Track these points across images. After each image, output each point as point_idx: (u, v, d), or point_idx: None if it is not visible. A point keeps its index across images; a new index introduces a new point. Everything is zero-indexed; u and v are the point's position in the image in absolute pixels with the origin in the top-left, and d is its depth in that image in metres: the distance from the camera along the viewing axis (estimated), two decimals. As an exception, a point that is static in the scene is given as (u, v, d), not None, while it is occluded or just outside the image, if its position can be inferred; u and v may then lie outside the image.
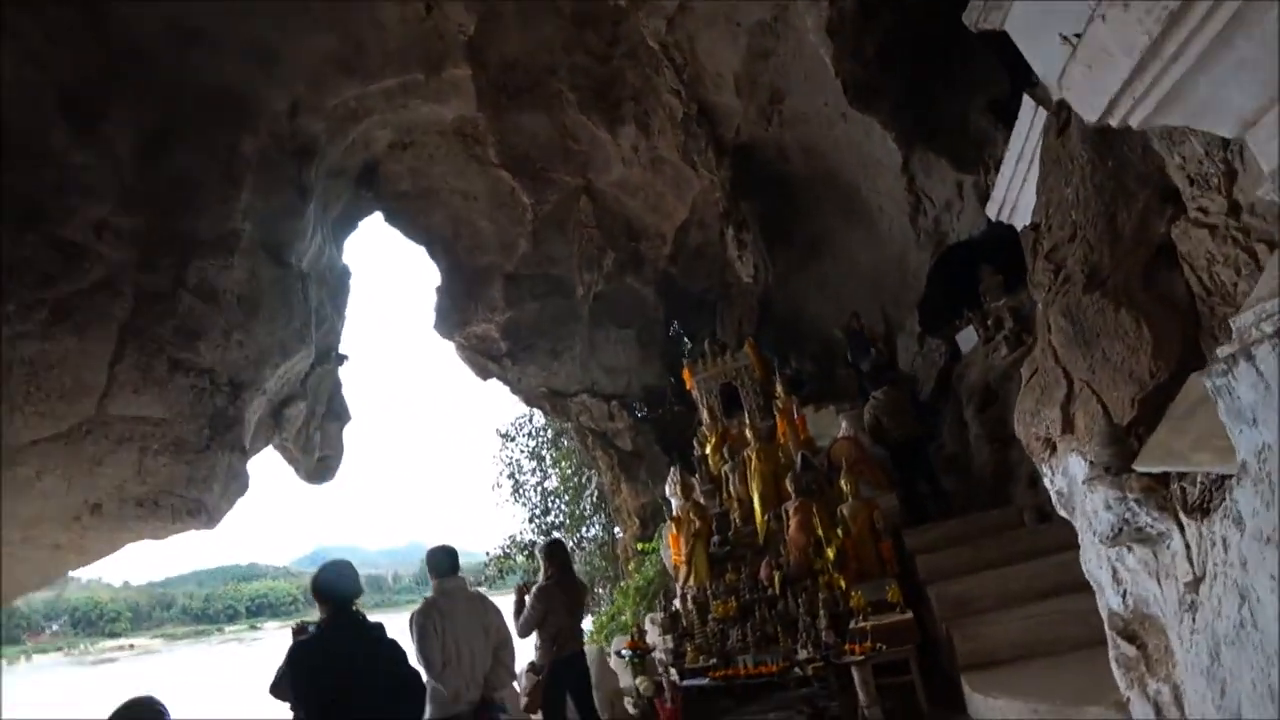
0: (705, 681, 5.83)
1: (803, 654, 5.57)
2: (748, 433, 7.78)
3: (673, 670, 6.22)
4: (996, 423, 7.76)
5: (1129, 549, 2.98)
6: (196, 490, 6.19)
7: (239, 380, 6.49)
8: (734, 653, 5.96)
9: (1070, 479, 3.43)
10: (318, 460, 9.65)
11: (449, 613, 3.73)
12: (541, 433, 16.52)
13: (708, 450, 8.31)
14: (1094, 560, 3.42)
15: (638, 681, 6.02)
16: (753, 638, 5.94)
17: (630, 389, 13.26)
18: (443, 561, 3.98)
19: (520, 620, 4.77)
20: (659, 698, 5.57)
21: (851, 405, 9.57)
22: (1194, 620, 2.28)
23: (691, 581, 6.99)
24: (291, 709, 3.17)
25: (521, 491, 16.53)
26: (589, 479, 14.35)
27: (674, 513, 7.76)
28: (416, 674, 3.29)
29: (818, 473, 7.16)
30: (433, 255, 12.59)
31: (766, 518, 7.08)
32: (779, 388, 8.30)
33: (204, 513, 6.31)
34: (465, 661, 3.66)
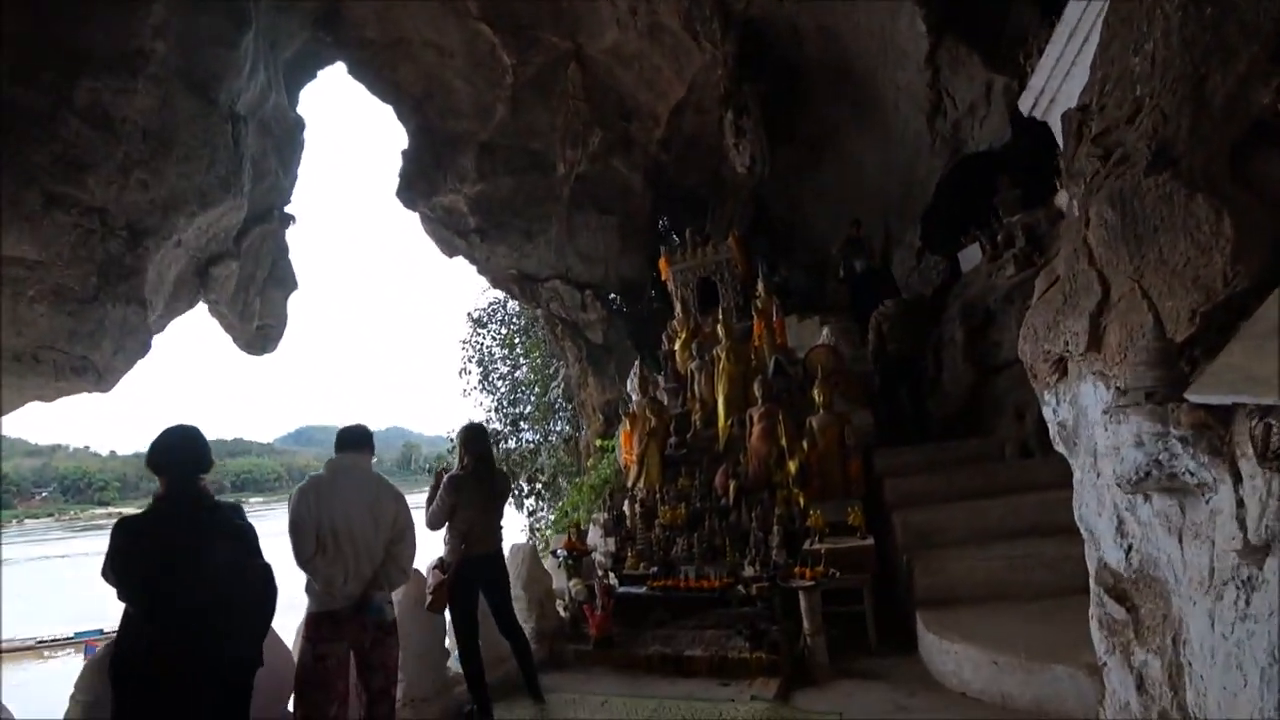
0: (643, 590, 5.46)
1: (749, 571, 5.17)
2: (720, 330, 7.13)
3: (611, 575, 5.85)
4: (989, 348, 7.17)
5: (1146, 498, 2.40)
6: (82, 346, 5.49)
7: (140, 225, 5.65)
8: (677, 563, 5.57)
9: (1080, 409, 2.82)
10: (256, 329, 8.95)
11: (330, 493, 3.18)
12: (515, 320, 15.85)
13: (676, 346, 7.67)
14: (1092, 505, 2.85)
15: (571, 584, 5.64)
16: (699, 549, 5.53)
17: (607, 279, 12.49)
18: (343, 436, 3.42)
19: (428, 511, 4.25)
20: (589, 603, 5.19)
21: (838, 318, 8.95)
22: (1246, 601, 1.70)
23: (641, 483, 6.55)
24: (118, 597, 2.62)
25: (490, 380, 16.05)
26: (557, 370, 13.82)
27: (630, 408, 7.22)
28: (266, 566, 2.74)
29: (791, 380, 6.58)
30: (401, 116, 11.41)
31: (730, 422, 6.54)
32: (761, 286, 7.58)
33: (92, 371, 5.63)
34: (346, 551, 3.14)
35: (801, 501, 5.44)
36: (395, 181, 11.25)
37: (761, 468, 5.85)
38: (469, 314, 16.63)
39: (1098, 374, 2.63)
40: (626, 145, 11.97)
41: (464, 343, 16.39)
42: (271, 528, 3.68)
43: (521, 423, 15.59)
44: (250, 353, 9.26)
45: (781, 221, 12.60)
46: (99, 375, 5.71)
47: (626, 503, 6.53)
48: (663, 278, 8.90)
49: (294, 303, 9.78)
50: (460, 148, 11.15)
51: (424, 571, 4.25)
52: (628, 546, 5.90)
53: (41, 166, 4.83)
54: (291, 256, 9.68)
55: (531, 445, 15.27)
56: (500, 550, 4.48)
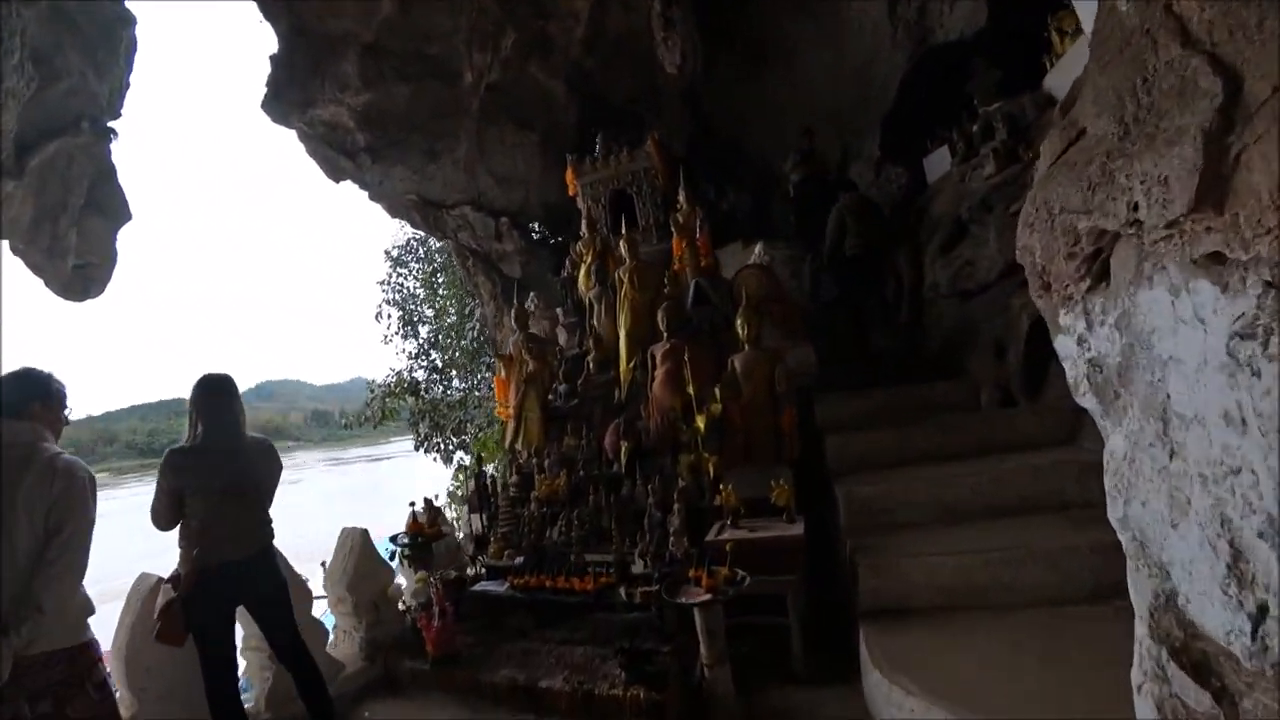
0: (502, 589, 4.10)
1: (639, 566, 3.84)
2: (623, 248, 5.64)
3: (477, 564, 4.49)
4: (963, 266, 5.79)
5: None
6: None
7: None
8: (551, 551, 4.21)
9: (1140, 334, 1.47)
10: (74, 268, 7.16)
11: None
12: (436, 256, 14.18)
13: (580, 273, 6.16)
14: (1156, 504, 1.52)
15: (416, 580, 4.28)
16: (577, 533, 4.17)
17: (528, 205, 10.81)
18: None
19: (152, 504, 2.87)
20: (425, 611, 3.82)
21: (784, 246, 7.52)
22: None
23: (520, 444, 5.13)
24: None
25: (413, 324, 14.43)
26: (473, 310, 12.25)
27: (507, 349, 5.74)
28: None
29: (715, 311, 5.12)
30: (268, 14, 9.35)
31: (633, 365, 5.12)
32: (682, 196, 6.05)
33: None
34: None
35: (712, 470, 4.07)
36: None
37: (664, 423, 4.46)
38: (386, 251, 14.91)
39: (1206, 261, 1.24)
40: (545, 48, 10.09)
41: (382, 284, 14.67)
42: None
43: (451, 370, 14.07)
44: (68, 298, 7.47)
45: (725, 140, 10.94)
46: None
47: (493, 467, 5.13)
48: (570, 192, 7.31)
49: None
50: (340, 51, 9.21)
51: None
52: (493, 528, 4.52)
53: None
54: (123, 179, 7.80)
55: (461, 394, 13.81)
56: (265, 551, 3.05)
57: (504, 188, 10.65)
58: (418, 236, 14.26)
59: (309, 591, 3.80)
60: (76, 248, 7.17)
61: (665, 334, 4.78)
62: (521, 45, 9.94)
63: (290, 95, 9.32)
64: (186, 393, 3.06)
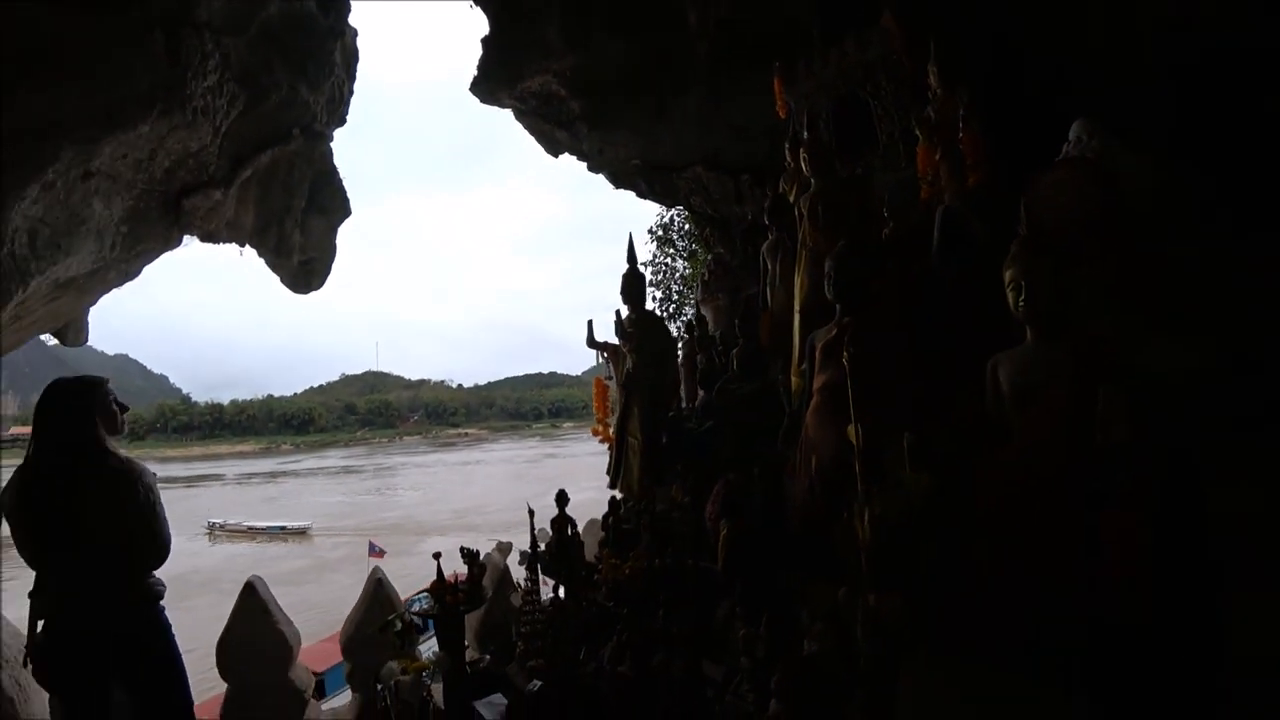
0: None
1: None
2: (803, 163, 3.38)
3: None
4: None
5: None
6: None
7: None
8: (580, 682, 2.29)
9: None
10: (299, 264, 7.43)
11: None
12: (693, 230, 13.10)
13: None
14: None
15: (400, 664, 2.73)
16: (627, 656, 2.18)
17: (774, 158, 8.81)
18: None
19: None
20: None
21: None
22: None
23: (619, 487, 3.26)
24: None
25: (682, 308, 13.51)
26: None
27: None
28: None
29: (968, 251, 2.62)
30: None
31: (804, 363, 2.85)
32: (933, 77, 3.55)
33: None
34: None
35: (888, 623, 1.69)
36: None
37: (816, 492, 2.16)
38: (649, 230, 14.05)
39: None
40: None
41: (647, 264, 13.95)
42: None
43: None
44: (296, 290, 7.89)
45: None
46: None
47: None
48: (780, 112, 5.14)
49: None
50: (545, 15, 8.35)
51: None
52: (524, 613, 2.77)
53: None
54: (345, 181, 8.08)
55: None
56: (133, 616, 2.27)
57: (743, 140, 8.76)
58: (683, 212, 13.26)
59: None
60: (301, 245, 7.45)
61: (837, 306, 2.45)
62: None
63: (498, 73, 8.74)
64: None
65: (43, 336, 6.75)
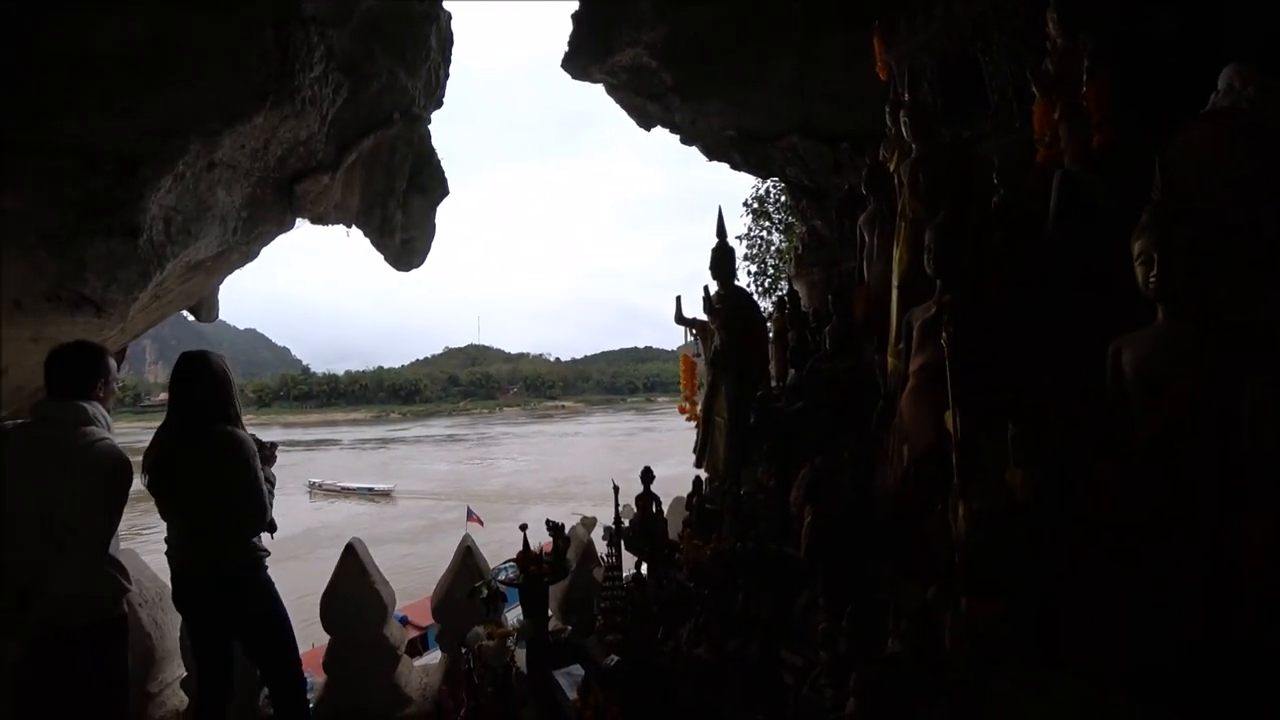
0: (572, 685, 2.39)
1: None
2: (903, 127, 3.14)
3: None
4: None
5: None
6: (73, 282, 4.82)
7: (131, 154, 4.67)
8: (660, 663, 2.29)
9: None
10: (401, 243, 7.78)
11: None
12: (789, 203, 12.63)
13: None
14: None
15: (486, 629, 2.85)
16: (705, 639, 2.16)
17: (876, 124, 8.30)
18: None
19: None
20: (448, 685, 2.46)
21: None
22: None
23: (705, 467, 3.22)
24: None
25: (772, 277, 13.21)
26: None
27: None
28: None
29: (1087, 218, 2.36)
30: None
31: (901, 342, 2.68)
32: (1052, 26, 3.21)
33: (89, 305, 5.01)
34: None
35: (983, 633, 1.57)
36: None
37: (909, 480, 2.03)
38: (744, 203, 13.80)
39: None
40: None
41: (742, 238, 13.64)
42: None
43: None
44: (399, 268, 8.26)
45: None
46: (97, 309, 5.13)
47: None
48: (880, 74, 4.82)
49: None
50: (632, -11, 8.20)
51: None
52: (605, 588, 2.80)
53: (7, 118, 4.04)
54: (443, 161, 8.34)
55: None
56: (234, 575, 2.45)
57: (839, 106, 8.31)
58: (778, 183, 12.84)
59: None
60: (402, 224, 7.79)
61: (937, 282, 2.27)
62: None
63: (589, 48, 8.68)
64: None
65: (182, 313, 7.36)
